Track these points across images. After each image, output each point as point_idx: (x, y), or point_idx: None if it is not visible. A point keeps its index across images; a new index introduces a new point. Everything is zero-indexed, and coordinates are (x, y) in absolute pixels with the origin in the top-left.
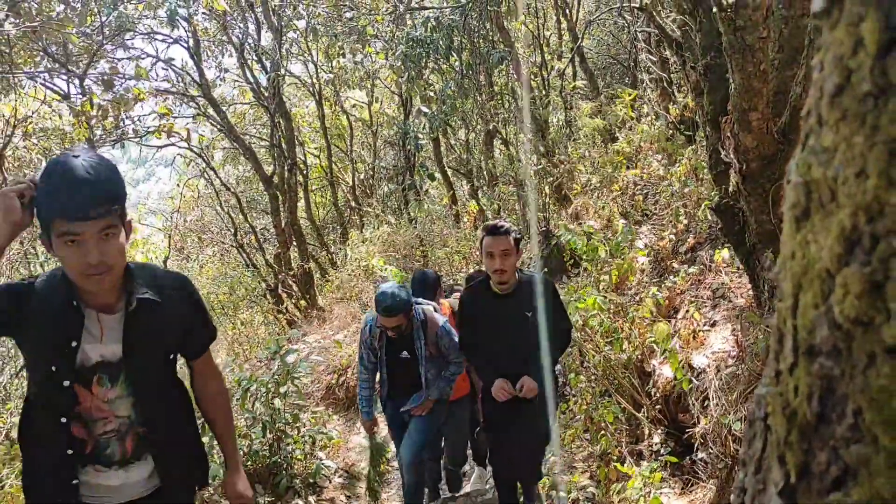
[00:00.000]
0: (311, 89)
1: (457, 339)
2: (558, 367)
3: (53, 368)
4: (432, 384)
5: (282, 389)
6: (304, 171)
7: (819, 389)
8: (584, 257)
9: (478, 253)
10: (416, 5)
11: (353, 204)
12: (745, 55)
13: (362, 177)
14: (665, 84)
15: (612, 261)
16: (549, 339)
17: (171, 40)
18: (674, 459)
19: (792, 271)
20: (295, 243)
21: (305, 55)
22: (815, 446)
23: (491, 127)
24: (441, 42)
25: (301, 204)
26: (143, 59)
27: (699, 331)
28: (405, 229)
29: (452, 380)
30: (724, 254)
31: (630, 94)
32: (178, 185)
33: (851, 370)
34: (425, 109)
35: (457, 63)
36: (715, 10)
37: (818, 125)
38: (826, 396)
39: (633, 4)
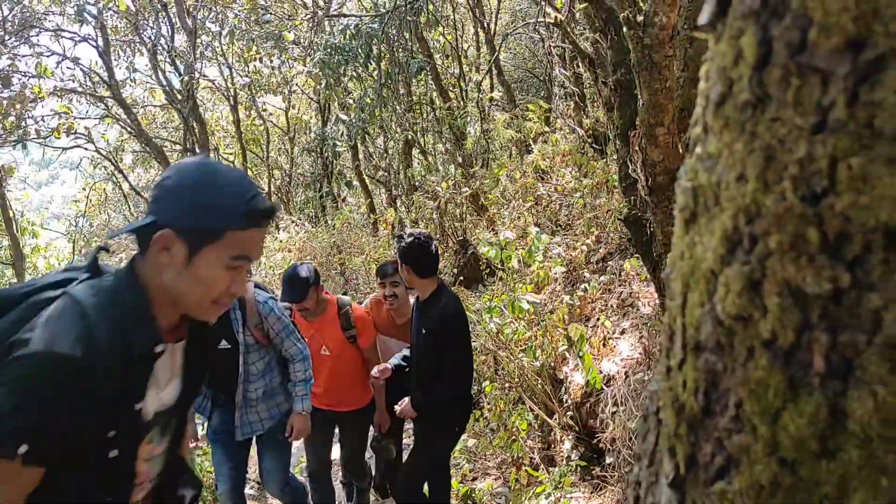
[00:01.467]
0: (225, 93)
1: (290, 322)
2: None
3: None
4: (268, 384)
5: None
6: None
7: (704, 383)
8: (498, 267)
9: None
10: (335, 12)
11: None
12: (651, 72)
13: (279, 183)
14: (578, 98)
15: (527, 270)
16: (426, 374)
17: (79, 38)
18: (583, 464)
19: (681, 271)
20: None
21: (220, 58)
22: (702, 438)
23: (409, 136)
24: (360, 50)
25: None
26: (48, 56)
27: (609, 338)
28: (322, 236)
29: (309, 380)
30: (633, 263)
31: (542, 107)
32: (83, 188)
33: (733, 364)
34: (343, 117)
35: (376, 71)
36: (625, 28)
37: (704, 133)
38: (711, 390)
39: (548, 20)
